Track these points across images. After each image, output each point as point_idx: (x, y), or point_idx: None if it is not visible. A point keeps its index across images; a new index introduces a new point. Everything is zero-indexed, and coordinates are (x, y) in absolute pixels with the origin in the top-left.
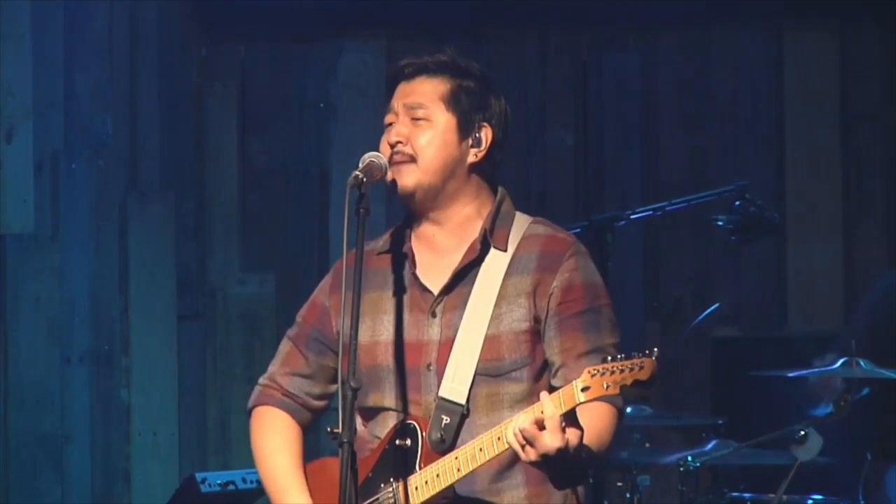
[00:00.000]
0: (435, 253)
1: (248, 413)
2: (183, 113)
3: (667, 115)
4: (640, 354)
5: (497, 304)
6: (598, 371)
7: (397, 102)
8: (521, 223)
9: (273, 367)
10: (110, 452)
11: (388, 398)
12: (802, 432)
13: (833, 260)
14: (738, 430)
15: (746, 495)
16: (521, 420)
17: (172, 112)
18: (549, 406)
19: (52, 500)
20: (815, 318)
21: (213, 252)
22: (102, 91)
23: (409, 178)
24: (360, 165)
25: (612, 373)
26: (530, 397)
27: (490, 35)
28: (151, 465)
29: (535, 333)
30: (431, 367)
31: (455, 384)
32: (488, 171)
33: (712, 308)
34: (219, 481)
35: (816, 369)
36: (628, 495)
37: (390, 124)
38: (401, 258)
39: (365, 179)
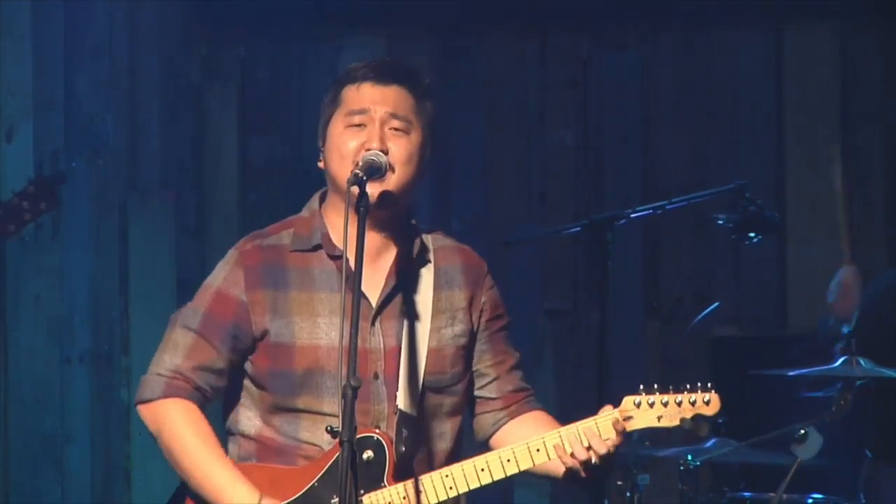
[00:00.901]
0: (369, 259)
1: (146, 402)
2: (183, 113)
3: (667, 115)
4: (697, 387)
5: (435, 317)
6: (643, 401)
7: (375, 106)
8: (424, 233)
9: (175, 360)
10: (110, 452)
11: (329, 404)
12: (802, 432)
13: (833, 260)
14: (737, 428)
15: (746, 494)
16: (565, 451)
17: (172, 112)
18: (594, 435)
19: (52, 500)
20: (815, 318)
21: (213, 252)
22: (102, 91)
23: (386, 188)
24: (360, 164)
25: (667, 404)
26: (458, 409)
27: (490, 35)
28: (151, 465)
29: (469, 349)
30: (379, 377)
31: (409, 397)
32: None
33: (712, 308)
34: None
35: (816, 369)
36: (628, 494)
37: (360, 125)
38: (326, 256)
39: (365, 178)
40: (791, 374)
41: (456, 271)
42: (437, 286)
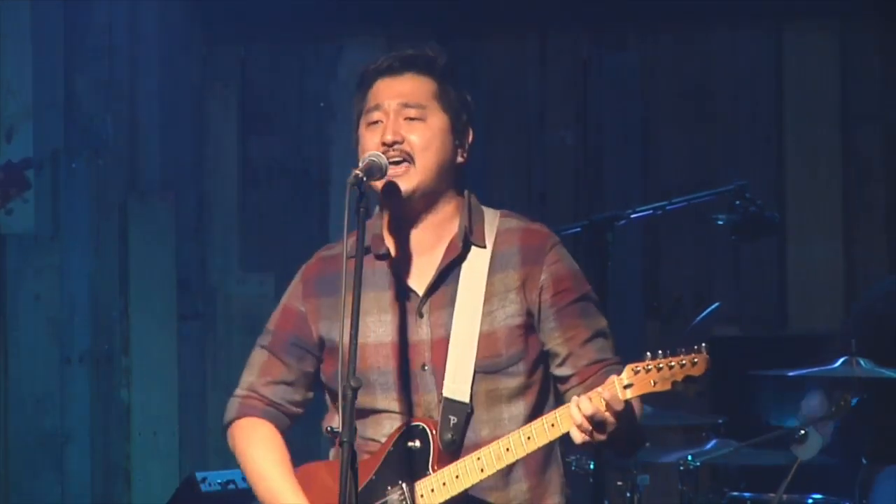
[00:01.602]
0: (413, 251)
1: (227, 425)
2: (183, 113)
3: (667, 115)
4: (691, 350)
5: (487, 301)
6: (642, 368)
7: (387, 100)
8: (491, 218)
9: (251, 378)
10: (110, 452)
11: (382, 400)
12: (802, 432)
13: (833, 260)
14: (738, 429)
15: (746, 495)
16: (573, 423)
17: (172, 112)
18: (588, 405)
19: (52, 500)
20: (815, 318)
21: (213, 252)
22: (102, 91)
23: (409, 182)
24: (361, 164)
25: (660, 369)
26: (526, 390)
27: (490, 35)
28: (151, 465)
29: (528, 327)
30: (427, 367)
31: (457, 383)
32: (463, 171)
33: (712, 308)
34: (219, 480)
35: (816, 368)
36: (628, 495)
37: (377, 122)
38: (374, 258)
39: (365, 178)
40: (791, 374)
41: (513, 253)
42: (493, 270)
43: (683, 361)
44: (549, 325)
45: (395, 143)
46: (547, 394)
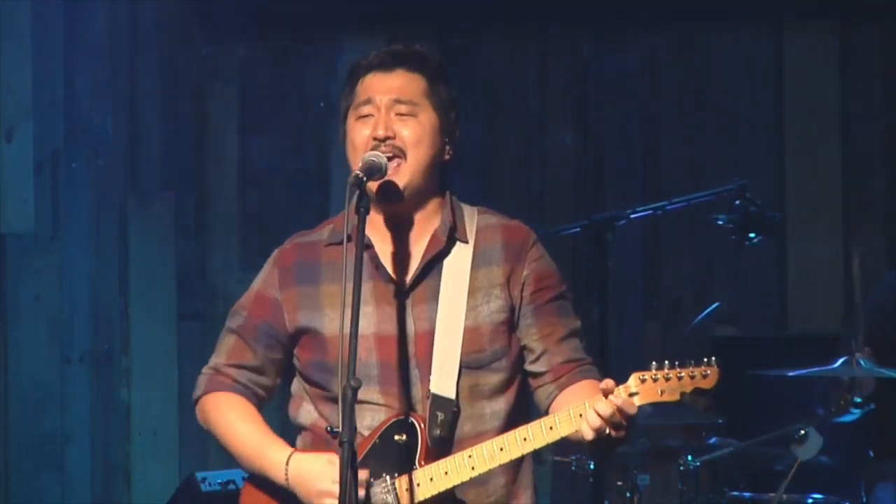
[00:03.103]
0: (397, 244)
1: (196, 400)
2: (183, 113)
3: (667, 115)
4: (700, 361)
5: (471, 296)
6: (649, 377)
7: (379, 95)
8: (470, 214)
9: (218, 360)
10: (110, 452)
11: (364, 392)
12: (802, 432)
13: (833, 260)
14: (738, 429)
15: (746, 494)
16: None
17: (172, 112)
18: (605, 407)
19: (52, 500)
20: (815, 318)
21: (213, 252)
22: (102, 91)
23: (401, 177)
24: (361, 164)
25: (669, 379)
26: (507, 386)
27: (490, 34)
28: (151, 465)
29: (511, 324)
30: (412, 361)
31: (443, 379)
32: (448, 167)
33: (712, 308)
34: (219, 480)
35: (816, 369)
36: (628, 495)
37: (367, 116)
38: (358, 248)
39: (365, 178)
40: (791, 374)
41: (496, 249)
42: (475, 265)
43: (693, 373)
44: (526, 322)
45: (387, 138)
46: (527, 390)
